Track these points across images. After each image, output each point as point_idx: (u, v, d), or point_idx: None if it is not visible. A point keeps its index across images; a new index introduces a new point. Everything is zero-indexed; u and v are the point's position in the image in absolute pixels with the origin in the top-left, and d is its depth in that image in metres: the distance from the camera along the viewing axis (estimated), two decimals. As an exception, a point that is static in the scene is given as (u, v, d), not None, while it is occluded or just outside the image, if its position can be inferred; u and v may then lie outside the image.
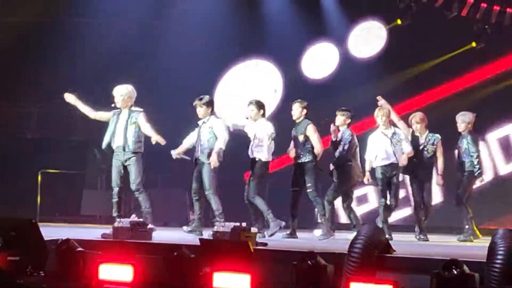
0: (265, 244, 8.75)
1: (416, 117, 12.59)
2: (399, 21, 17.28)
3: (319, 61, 18.58)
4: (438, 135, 12.59)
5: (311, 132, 11.80)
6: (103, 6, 17.38)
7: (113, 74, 18.13)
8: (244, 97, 17.49)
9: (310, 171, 11.79)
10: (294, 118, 12.04)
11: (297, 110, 11.98)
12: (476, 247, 10.52)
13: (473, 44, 17.35)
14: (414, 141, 12.47)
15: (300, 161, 11.91)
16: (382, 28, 18.12)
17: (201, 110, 11.65)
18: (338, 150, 11.94)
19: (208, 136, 11.51)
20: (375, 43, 18.23)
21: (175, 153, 11.80)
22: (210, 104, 11.69)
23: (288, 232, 11.73)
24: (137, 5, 17.32)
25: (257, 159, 11.70)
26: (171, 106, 17.47)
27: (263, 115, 11.87)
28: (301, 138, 11.86)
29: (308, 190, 11.80)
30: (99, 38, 17.82)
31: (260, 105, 11.86)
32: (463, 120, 12.72)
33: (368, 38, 18.26)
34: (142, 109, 11.41)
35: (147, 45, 18.20)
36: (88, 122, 18.71)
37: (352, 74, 17.91)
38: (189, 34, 17.64)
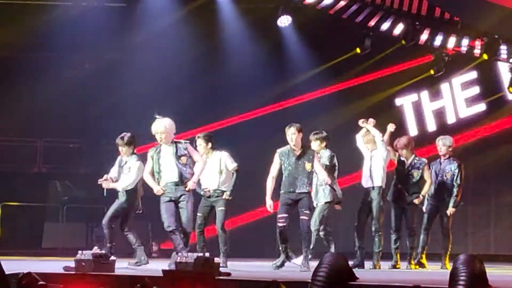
0: (229, 274, 8.72)
1: (401, 142, 12.13)
2: (358, 50, 17.41)
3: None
4: (424, 159, 12.18)
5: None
6: (61, 40, 17.33)
7: (74, 108, 18.21)
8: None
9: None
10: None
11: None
12: (439, 273, 10.58)
13: (431, 71, 17.59)
14: (400, 165, 12.10)
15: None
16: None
17: (122, 149, 11.30)
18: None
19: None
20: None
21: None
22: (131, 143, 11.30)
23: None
24: (95, 39, 17.28)
25: (223, 192, 11.41)
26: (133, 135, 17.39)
27: (212, 148, 11.47)
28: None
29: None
30: (59, 73, 17.80)
31: (207, 139, 11.52)
32: (444, 143, 12.33)
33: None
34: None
35: (107, 78, 18.19)
36: (49, 154, 18.76)
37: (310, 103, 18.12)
38: (148, 66, 17.64)
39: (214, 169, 11.43)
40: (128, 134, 11.33)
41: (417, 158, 12.12)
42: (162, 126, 10.50)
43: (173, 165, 10.45)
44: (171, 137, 10.54)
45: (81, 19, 17.05)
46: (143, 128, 17.94)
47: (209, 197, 11.47)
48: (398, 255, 11.96)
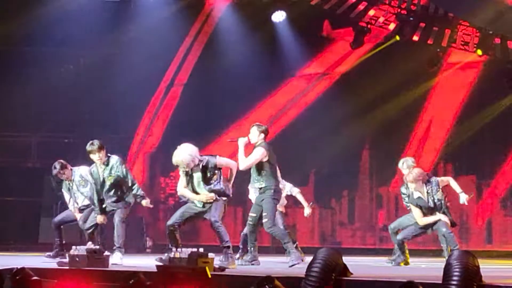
0: (223, 270, 8.72)
1: (410, 177, 11.04)
2: (352, 45, 17.40)
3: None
4: (433, 177, 11.18)
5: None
6: (55, 34, 17.31)
7: (69, 103, 18.20)
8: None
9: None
10: (252, 142, 10.86)
11: (255, 134, 10.88)
12: (433, 269, 10.60)
13: (426, 67, 17.63)
14: (420, 202, 11.14)
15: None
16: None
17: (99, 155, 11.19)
18: None
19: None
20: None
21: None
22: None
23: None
24: (90, 33, 17.26)
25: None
26: (127, 129, 17.41)
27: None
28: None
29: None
30: (54, 67, 17.78)
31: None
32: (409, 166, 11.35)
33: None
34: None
35: (101, 73, 18.18)
36: (44, 149, 18.73)
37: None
38: (142, 60, 17.63)
39: None
40: (96, 141, 11.17)
41: (428, 184, 11.09)
42: (179, 159, 9.89)
43: (203, 189, 10.04)
44: (193, 163, 9.95)
45: (76, 13, 17.03)
46: (137, 123, 18.10)
47: None
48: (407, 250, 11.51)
